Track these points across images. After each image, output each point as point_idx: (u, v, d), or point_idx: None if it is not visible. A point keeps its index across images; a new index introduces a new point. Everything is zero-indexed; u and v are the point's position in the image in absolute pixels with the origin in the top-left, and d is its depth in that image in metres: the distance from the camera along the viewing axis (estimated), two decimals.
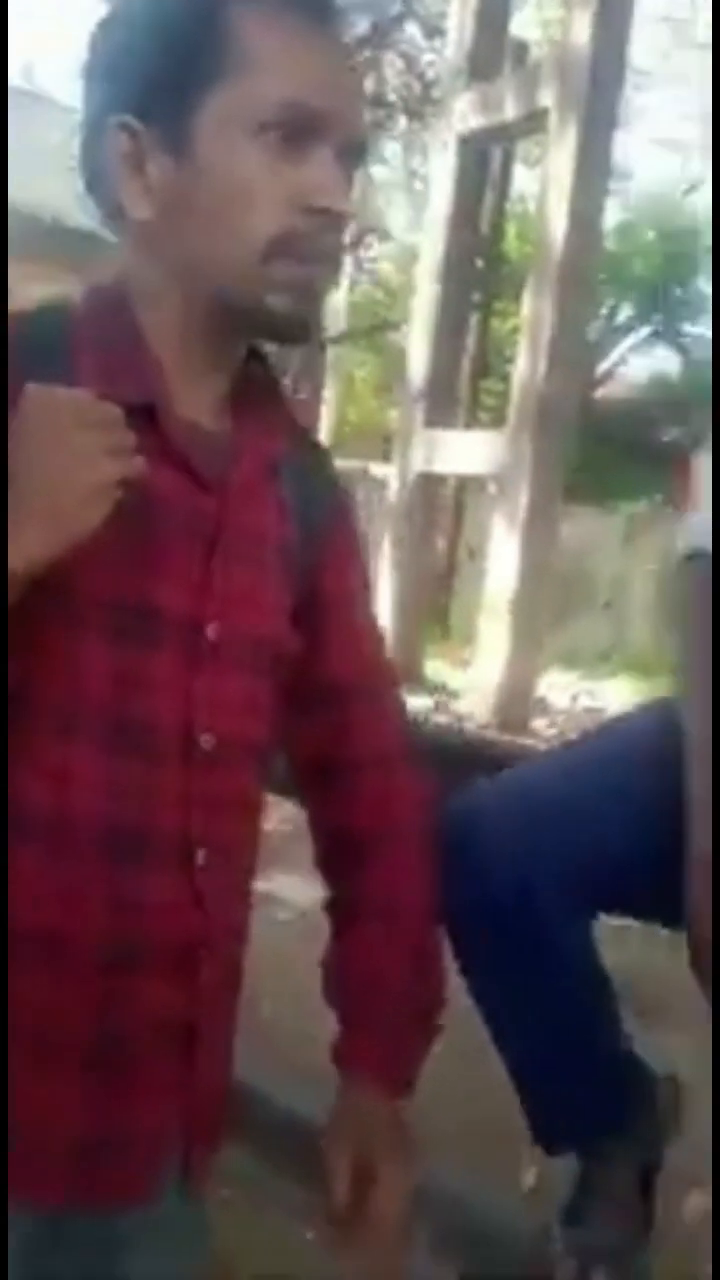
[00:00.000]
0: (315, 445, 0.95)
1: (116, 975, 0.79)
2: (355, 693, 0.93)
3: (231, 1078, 0.91)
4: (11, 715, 0.77)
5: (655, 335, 14.05)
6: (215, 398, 0.84)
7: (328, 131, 0.78)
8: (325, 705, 0.91)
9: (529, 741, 4.33)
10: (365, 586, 0.97)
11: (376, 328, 13.65)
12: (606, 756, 1.18)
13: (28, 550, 0.70)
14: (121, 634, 0.78)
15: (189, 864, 0.82)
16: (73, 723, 0.78)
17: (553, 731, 5.50)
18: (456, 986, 1.11)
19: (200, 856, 0.82)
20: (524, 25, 11.94)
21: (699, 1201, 1.54)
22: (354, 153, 0.80)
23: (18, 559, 0.70)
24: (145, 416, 0.78)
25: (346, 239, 0.89)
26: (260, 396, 0.87)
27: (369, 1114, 0.89)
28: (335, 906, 0.96)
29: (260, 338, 0.85)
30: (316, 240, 0.78)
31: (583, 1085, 1.20)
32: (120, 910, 0.79)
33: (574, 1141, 1.22)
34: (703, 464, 1.24)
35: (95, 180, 0.82)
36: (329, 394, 12.70)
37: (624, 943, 1.27)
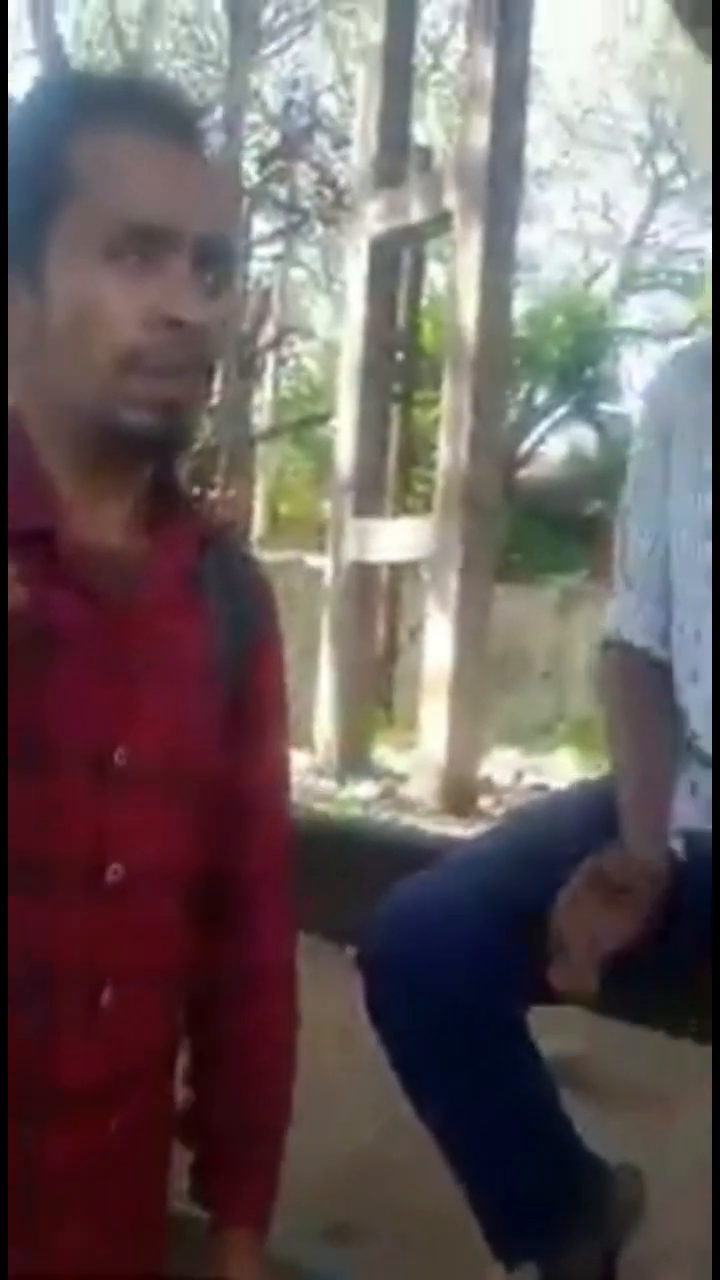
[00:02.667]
0: (241, 552, 0.95)
1: (24, 1123, 0.76)
2: (264, 816, 0.91)
3: (162, 1223, 0.88)
4: None
5: (571, 415, 14.48)
6: (121, 516, 0.83)
7: (179, 243, 0.77)
8: (229, 825, 0.88)
9: (457, 832, 4.32)
10: (284, 702, 0.95)
11: (304, 422, 13.90)
12: (526, 843, 1.19)
13: None
14: (17, 766, 0.75)
15: (94, 1003, 0.78)
16: None
17: (499, 810, 5.52)
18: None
19: (105, 996, 0.79)
20: (427, 131, 12.53)
21: None
22: (213, 258, 0.80)
23: None
24: (43, 542, 0.77)
25: (221, 347, 0.89)
26: (171, 509, 0.86)
27: (255, 1260, 0.88)
28: (203, 1041, 0.91)
29: (125, 454, 0.83)
30: (170, 354, 0.78)
31: (535, 1191, 1.17)
32: (24, 1057, 0.76)
33: (531, 1248, 1.18)
34: (618, 540, 1.30)
35: None
36: (260, 488, 12.85)
37: (568, 1023, 1.28)
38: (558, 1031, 1.25)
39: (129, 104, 0.79)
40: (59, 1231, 0.79)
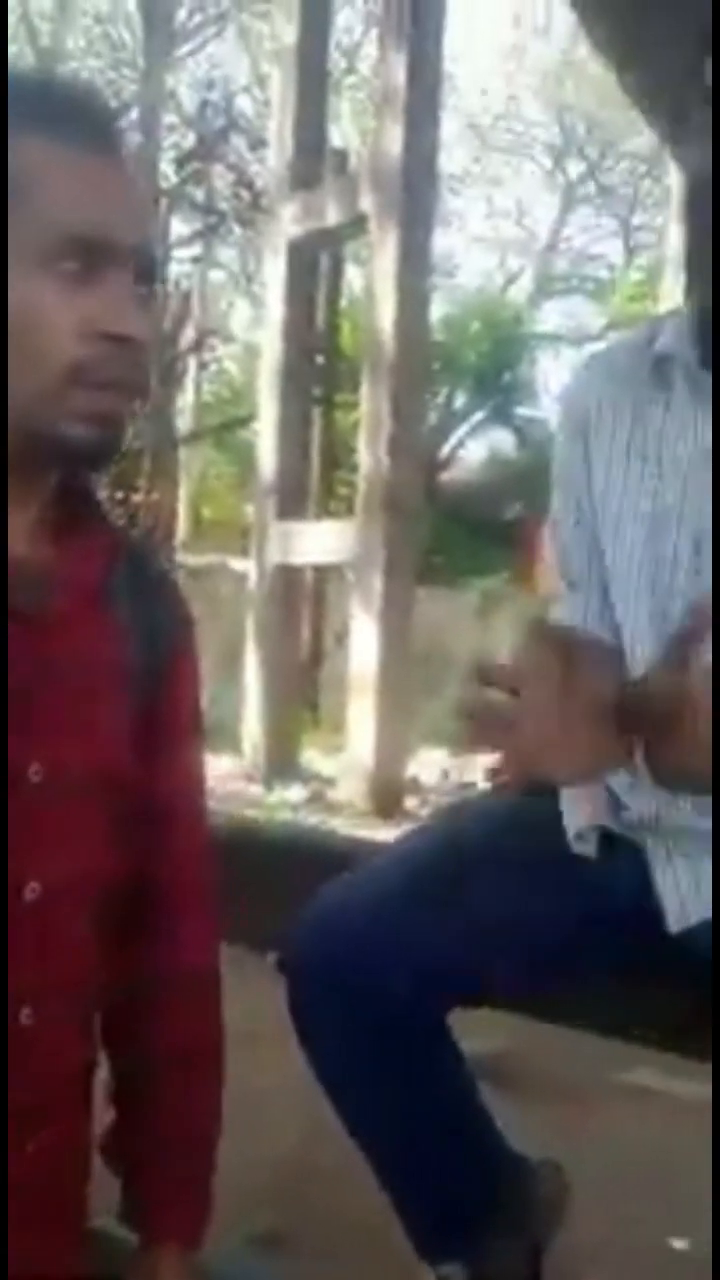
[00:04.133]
0: (154, 562, 0.93)
1: None
2: (182, 826, 0.90)
3: (83, 1242, 0.86)
4: None
5: (489, 419, 14.65)
6: (28, 525, 0.81)
7: (119, 257, 0.77)
8: (147, 835, 0.87)
9: (388, 836, 4.33)
10: (199, 711, 0.94)
11: (226, 425, 13.84)
12: (449, 848, 1.19)
13: None
14: None
15: (12, 1024, 0.77)
16: None
17: (426, 811, 5.55)
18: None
19: (24, 1015, 0.78)
20: (343, 134, 12.57)
21: None
22: (147, 271, 0.80)
23: None
24: None
25: (153, 357, 0.87)
26: (79, 519, 0.84)
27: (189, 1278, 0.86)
28: (126, 1056, 0.89)
29: (58, 465, 0.82)
30: (113, 367, 0.77)
31: (458, 1191, 1.17)
32: None
33: (455, 1249, 1.18)
34: (553, 546, 1.29)
35: None
36: (183, 492, 12.76)
37: (488, 1020, 1.29)
38: (478, 1030, 1.26)
39: (65, 111, 0.78)
40: None
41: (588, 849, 1.15)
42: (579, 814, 1.16)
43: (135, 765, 0.85)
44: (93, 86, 0.81)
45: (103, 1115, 0.90)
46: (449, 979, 1.10)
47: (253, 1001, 1.04)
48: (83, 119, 0.79)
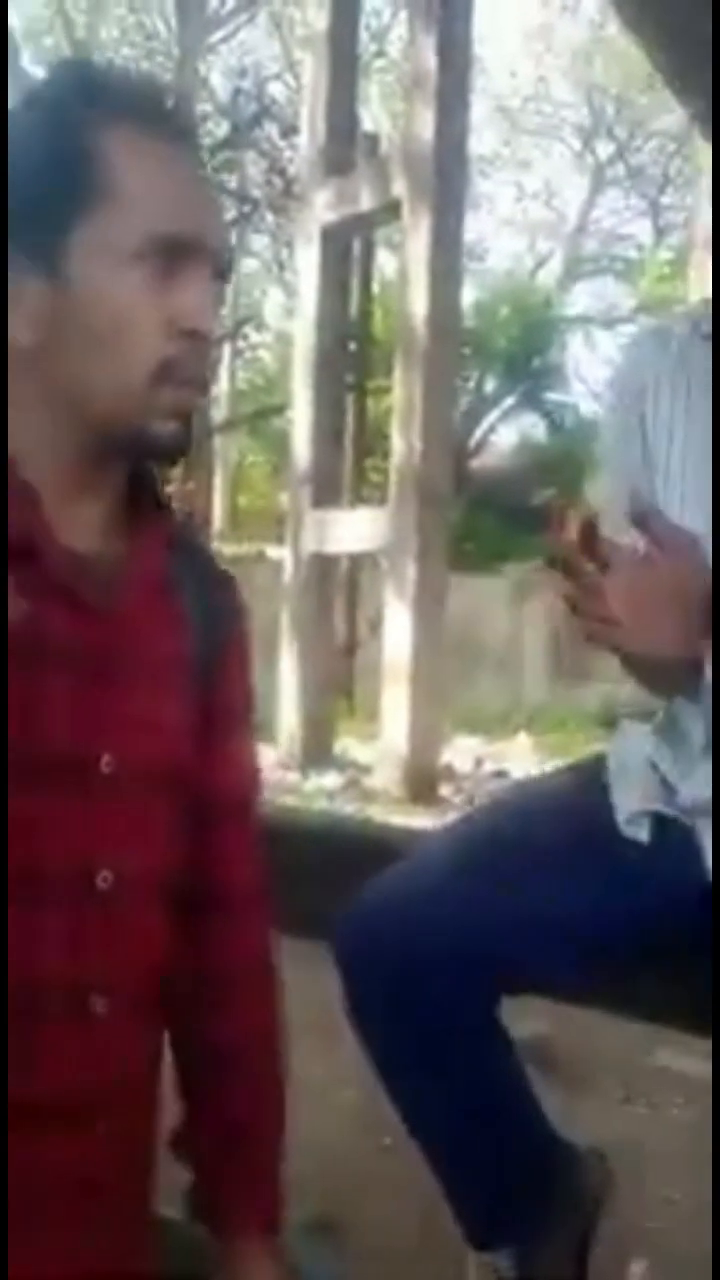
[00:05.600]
0: (205, 549, 0.94)
1: (11, 1133, 0.76)
2: (235, 817, 0.91)
3: (151, 1229, 0.87)
4: None
5: (520, 404, 14.57)
6: (99, 520, 0.82)
7: (199, 255, 0.78)
8: (203, 826, 0.87)
9: (428, 822, 4.35)
10: (252, 700, 0.94)
11: (260, 414, 13.84)
12: (499, 836, 1.19)
13: None
14: (6, 776, 0.74)
15: (83, 1011, 0.78)
16: None
17: (460, 798, 5.55)
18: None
19: (97, 1004, 0.79)
20: (373, 117, 12.52)
21: (638, 1270, 1.56)
22: (223, 273, 0.81)
23: None
24: (26, 549, 0.76)
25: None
26: (146, 512, 0.85)
27: (279, 1266, 0.88)
28: (195, 1052, 0.90)
29: (140, 460, 0.83)
30: (194, 364, 0.78)
31: (506, 1176, 1.18)
32: (14, 1066, 0.75)
33: (505, 1236, 1.19)
34: (601, 503, 1.27)
35: None
36: (219, 481, 12.79)
37: (530, 1006, 1.29)
38: (521, 1014, 1.26)
39: (151, 108, 0.79)
40: (47, 1243, 0.78)
41: (639, 833, 1.15)
42: (630, 798, 1.16)
43: (195, 756, 0.86)
44: (169, 85, 0.81)
45: (169, 1108, 0.91)
46: (500, 967, 1.11)
47: (301, 988, 1.04)
48: (168, 117, 0.79)
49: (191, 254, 0.78)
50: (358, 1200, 1.56)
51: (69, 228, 0.76)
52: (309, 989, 1.08)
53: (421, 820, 4.43)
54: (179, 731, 0.84)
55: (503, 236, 19.17)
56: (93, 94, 0.78)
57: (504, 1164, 1.19)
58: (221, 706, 0.89)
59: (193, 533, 0.99)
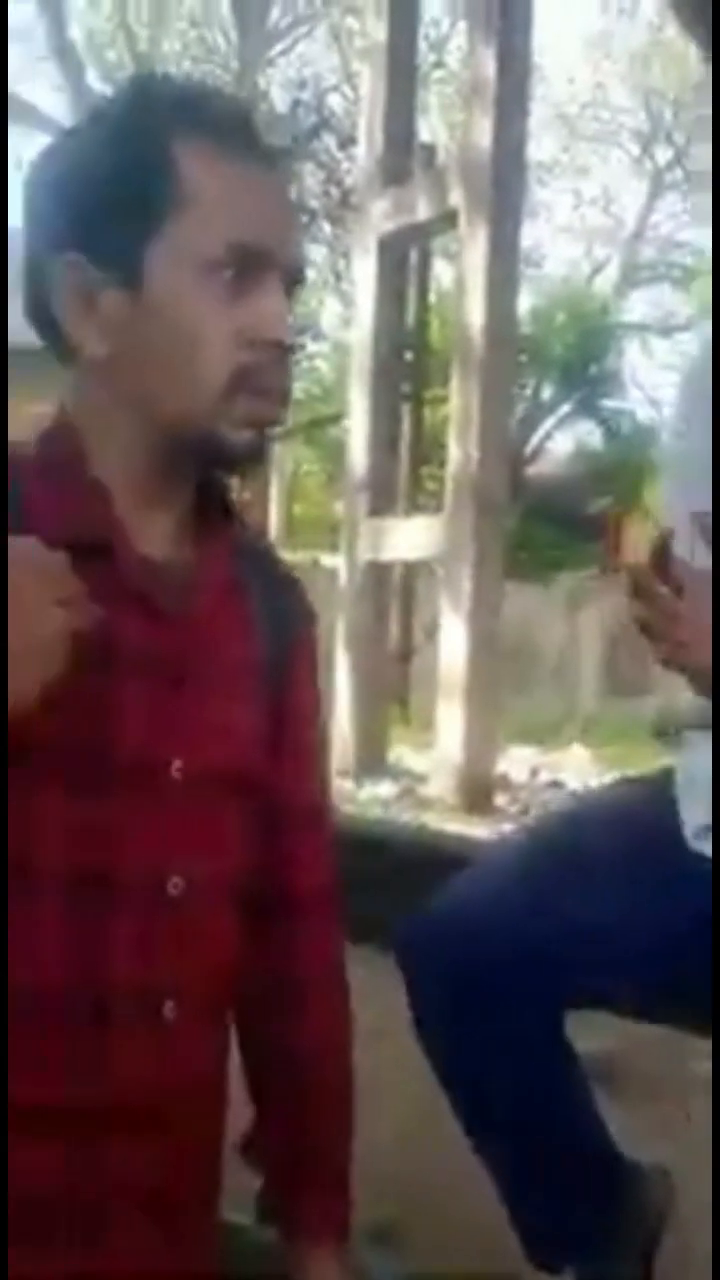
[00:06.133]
0: (276, 558, 0.94)
1: (81, 1139, 0.76)
2: (306, 822, 0.91)
3: (217, 1233, 0.88)
4: None
5: (576, 411, 14.46)
6: (172, 527, 0.82)
7: (274, 266, 0.78)
8: (274, 832, 0.87)
9: (484, 831, 4.32)
10: (319, 704, 0.95)
11: (316, 423, 13.89)
12: (567, 849, 1.18)
13: None
14: (78, 781, 0.75)
15: (155, 1017, 0.78)
16: (30, 879, 0.75)
17: (515, 808, 5.52)
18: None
19: (168, 1007, 0.79)
20: (431, 128, 12.53)
21: None
22: (298, 283, 0.82)
23: None
24: (101, 555, 0.76)
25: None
26: (216, 519, 0.85)
27: (346, 1272, 0.88)
28: (264, 1058, 0.91)
29: (214, 469, 0.84)
30: (268, 373, 0.78)
31: (569, 1193, 1.17)
32: (84, 1071, 0.76)
33: (568, 1256, 1.18)
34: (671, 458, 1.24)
35: (40, 316, 0.80)
36: (274, 490, 12.85)
37: (594, 1021, 1.28)
38: (588, 1030, 1.24)
39: (228, 120, 0.79)
40: (115, 1249, 0.78)
41: (706, 847, 1.14)
42: (698, 811, 1.15)
43: (265, 761, 0.86)
44: (243, 97, 0.83)
45: (238, 1111, 0.92)
46: (565, 979, 1.10)
47: (361, 993, 1.05)
48: (244, 129, 0.80)
49: (267, 264, 0.78)
50: (416, 1208, 1.55)
51: (146, 236, 0.77)
52: (365, 992, 1.08)
53: (478, 830, 4.41)
54: (249, 736, 0.85)
55: (559, 243, 19.05)
56: (171, 105, 0.79)
57: (566, 1180, 1.18)
58: (291, 711, 0.89)
59: (259, 538, 0.99)
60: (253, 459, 0.81)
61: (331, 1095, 0.91)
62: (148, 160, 0.76)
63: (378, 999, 1.12)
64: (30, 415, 0.83)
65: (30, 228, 0.80)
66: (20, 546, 0.70)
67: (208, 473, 0.85)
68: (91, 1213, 0.77)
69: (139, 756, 0.78)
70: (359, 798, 5.57)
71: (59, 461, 0.79)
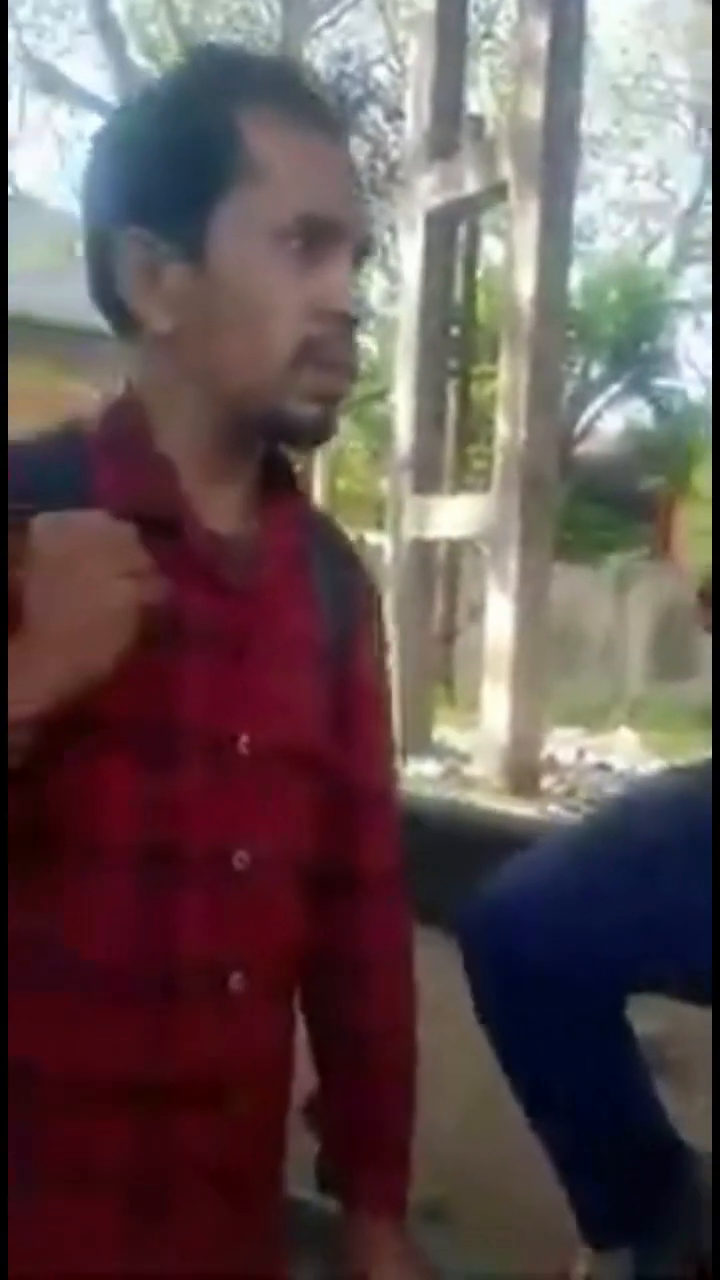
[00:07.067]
0: (340, 533, 0.93)
1: (148, 1113, 0.76)
2: (372, 800, 0.90)
3: (284, 1207, 0.88)
4: (35, 850, 0.74)
5: (627, 390, 14.29)
6: (237, 500, 0.82)
7: (341, 236, 0.77)
8: (340, 809, 0.87)
9: (531, 812, 4.30)
10: (386, 680, 0.94)
11: (361, 399, 13.86)
12: (627, 835, 1.17)
13: (53, 685, 0.67)
14: (145, 755, 0.75)
15: (221, 990, 0.78)
16: (98, 854, 0.75)
17: (562, 789, 5.49)
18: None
19: (234, 981, 0.78)
20: (480, 100, 12.39)
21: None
22: (364, 256, 0.80)
23: (44, 696, 0.67)
24: (168, 529, 0.76)
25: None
26: (281, 492, 0.85)
27: (403, 1246, 0.88)
28: (329, 1033, 0.91)
29: (282, 442, 0.83)
30: (336, 346, 0.77)
31: (626, 1174, 1.18)
32: (150, 1045, 0.76)
33: (624, 1236, 1.20)
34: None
35: (103, 291, 0.80)
36: (319, 466, 12.85)
37: (651, 1004, 1.26)
38: (642, 1013, 1.23)
39: (300, 92, 0.78)
40: (182, 1225, 0.79)
41: None
42: None
43: (332, 737, 0.85)
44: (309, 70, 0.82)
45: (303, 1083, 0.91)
46: (625, 963, 1.09)
47: (421, 972, 1.03)
48: (310, 98, 0.79)
49: (334, 235, 0.77)
50: (471, 1187, 1.55)
51: (212, 207, 0.75)
52: (428, 972, 1.07)
53: (525, 810, 4.39)
54: (315, 712, 0.84)
55: (611, 217, 18.81)
56: (233, 74, 0.77)
57: (624, 1162, 1.17)
58: (356, 686, 0.88)
59: (323, 513, 0.98)
60: (319, 433, 0.80)
61: (394, 1074, 0.91)
62: (211, 130, 0.75)
63: (441, 978, 1.11)
64: (63, 392, 0.82)
65: (91, 204, 0.80)
66: (89, 520, 0.70)
67: (273, 447, 0.84)
68: (158, 1186, 0.78)
69: (206, 731, 0.78)
70: (404, 776, 5.57)
71: (125, 437, 0.79)
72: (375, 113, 12.54)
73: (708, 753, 1.26)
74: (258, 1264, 0.84)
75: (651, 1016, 1.66)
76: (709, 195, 18.87)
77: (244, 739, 0.79)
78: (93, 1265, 0.75)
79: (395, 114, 10.81)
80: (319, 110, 0.79)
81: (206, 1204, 0.79)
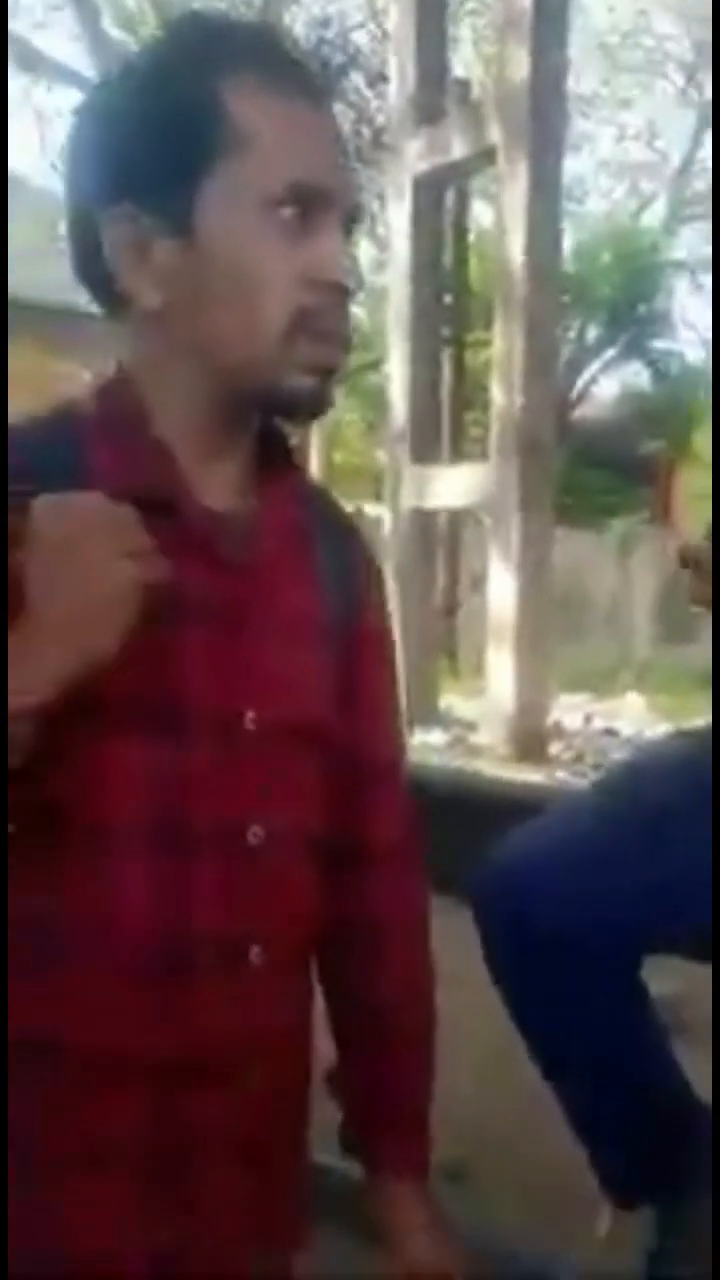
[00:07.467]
0: (338, 506, 0.93)
1: (166, 1086, 0.77)
2: (382, 772, 0.90)
3: (306, 1176, 0.89)
4: (46, 831, 0.75)
5: (623, 353, 14.19)
6: (234, 477, 0.82)
7: (331, 205, 0.76)
8: (350, 782, 0.87)
9: (539, 778, 4.31)
10: (393, 656, 0.94)
11: (355, 370, 13.78)
12: (636, 798, 1.17)
13: (55, 674, 0.67)
14: (153, 734, 0.75)
15: (241, 964, 0.78)
16: (110, 834, 0.75)
17: (569, 755, 5.49)
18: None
19: (254, 955, 0.79)
20: (464, 62, 12.22)
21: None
22: (353, 224, 0.79)
23: (47, 680, 0.67)
24: (165, 508, 0.75)
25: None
26: (278, 467, 0.84)
27: (428, 1209, 0.89)
28: (347, 1004, 0.91)
29: (278, 416, 0.82)
30: (330, 317, 0.76)
31: (645, 1131, 1.19)
32: (168, 1020, 0.76)
33: (644, 1194, 1.21)
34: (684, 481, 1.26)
35: (89, 270, 0.79)
36: (314, 438, 12.80)
37: (667, 965, 1.27)
38: (657, 974, 1.23)
39: (285, 60, 0.77)
40: (207, 1190, 0.79)
41: None
42: None
43: (339, 711, 0.85)
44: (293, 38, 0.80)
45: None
46: (638, 926, 1.09)
47: (437, 938, 1.04)
48: (297, 66, 0.78)
49: (323, 203, 0.76)
50: (491, 1148, 1.56)
51: (200, 180, 0.74)
52: (444, 939, 1.07)
53: (532, 777, 4.40)
54: (320, 686, 0.84)
55: (602, 178, 18.61)
56: (216, 44, 0.76)
57: (643, 1122, 1.18)
58: (361, 659, 0.88)
59: (320, 486, 0.97)
60: (316, 406, 0.79)
61: (412, 1043, 0.92)
62: (195, 101, 0.74)
63: (458, 945, 1.12)
64: (51, 373, 0.81)
65: (74, 181, 0.78)
66: (87, 501, 0.70)
67: (268, 422, 0.83)
68: (179, 1159, 0.78)
69: (212, 708, 0.78)
70: (412, 745, 5.58)
71: (119, 418, 0.78)
72: (357, 79, 12.38)
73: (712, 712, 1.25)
74: (280, 1231, 0.85)
75: (667, 977, 1.67)
76: (701, 154, 18.69)
77: (250, 715, 0.79)
78: (114, 1239, 0.76)
79: (378, 79, 10.68)
80: (302, 77, 0.77)
81: (227, 1175, 0.80)
